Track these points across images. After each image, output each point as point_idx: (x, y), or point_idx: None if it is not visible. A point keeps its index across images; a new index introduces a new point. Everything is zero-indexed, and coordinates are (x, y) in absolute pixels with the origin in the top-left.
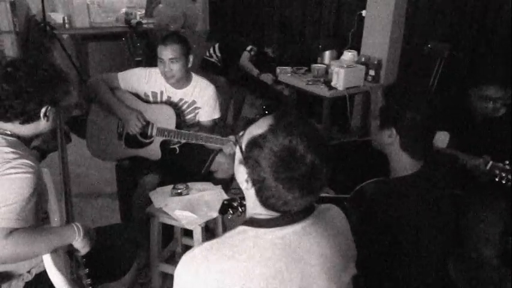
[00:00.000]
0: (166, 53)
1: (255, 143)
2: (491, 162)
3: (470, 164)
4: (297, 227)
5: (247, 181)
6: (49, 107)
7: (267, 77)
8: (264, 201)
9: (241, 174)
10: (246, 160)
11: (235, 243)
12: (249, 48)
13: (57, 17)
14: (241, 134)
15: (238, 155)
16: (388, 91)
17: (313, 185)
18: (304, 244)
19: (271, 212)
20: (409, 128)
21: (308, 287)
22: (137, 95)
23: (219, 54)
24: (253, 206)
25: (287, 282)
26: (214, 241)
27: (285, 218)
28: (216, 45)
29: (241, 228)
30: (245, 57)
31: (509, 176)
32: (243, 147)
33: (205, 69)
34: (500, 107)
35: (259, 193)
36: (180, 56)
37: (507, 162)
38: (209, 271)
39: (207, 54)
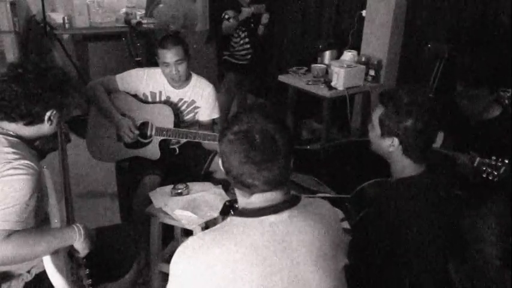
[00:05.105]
0: (172, 55)
1: (220, 133)
2: (478, 159)
3: (458, 162)
4: (283, 216)
5: (222, 169)
6: (54, 111)
7: (259, 8)
8: (236, 182)
9: (221, 166)
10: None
11: (225, 232)
12: (226, 16)
13: (57, 17)
14: None
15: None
16: (387, 98)
17: (268, 153)
18: (291, 231)
19: (257, 200)
20: (411, 136)
21: (297, 273)
22: (135, 96)
23: None
24: (240, 197)
25: (276, 267)
26: (206, 231)
27: (271, 207)
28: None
29: (231, 218)
30: (225, 25)
31: (495, 172)
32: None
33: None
34: (483, 108)
35: (228, 174)
36: (184, 56)
37: (493, 157)
38: (201, 258)
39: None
